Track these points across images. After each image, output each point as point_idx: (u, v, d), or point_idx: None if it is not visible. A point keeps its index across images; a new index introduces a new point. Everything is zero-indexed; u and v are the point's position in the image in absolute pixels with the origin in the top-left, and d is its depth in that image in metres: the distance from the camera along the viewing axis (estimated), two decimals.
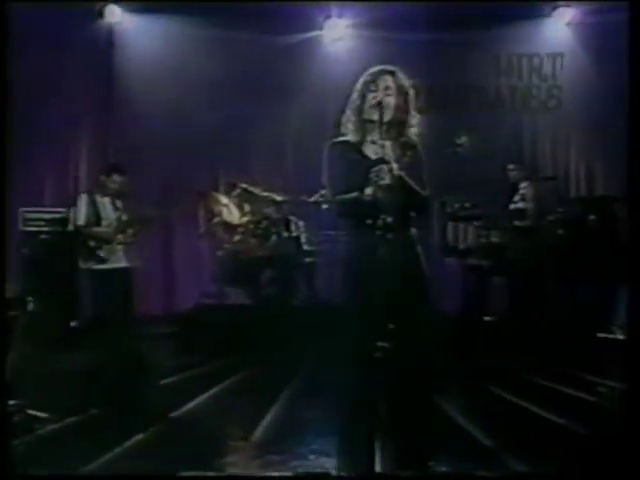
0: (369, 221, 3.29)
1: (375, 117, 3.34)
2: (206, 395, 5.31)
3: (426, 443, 3.37)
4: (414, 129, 3.41)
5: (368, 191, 3.24)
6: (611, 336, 7.18)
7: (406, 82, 3.39)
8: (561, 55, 9.52)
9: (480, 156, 7.87)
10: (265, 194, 8.14)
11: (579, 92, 9.36)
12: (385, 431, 3.29)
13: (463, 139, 7.94)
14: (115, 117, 9.36)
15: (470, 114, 9.53)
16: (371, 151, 3.38)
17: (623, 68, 8.81)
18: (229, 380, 5.89)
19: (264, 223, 8.18)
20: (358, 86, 3.42)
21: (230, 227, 8.16)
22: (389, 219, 3.23)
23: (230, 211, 8.17)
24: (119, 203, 6.95)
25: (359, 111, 3.39)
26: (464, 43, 9.30)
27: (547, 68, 9.63)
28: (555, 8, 9.47)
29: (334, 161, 3.39)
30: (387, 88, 3.35)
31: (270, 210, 8.20)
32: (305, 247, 8.40)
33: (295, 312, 7.92)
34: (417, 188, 3.36)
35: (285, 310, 7.89)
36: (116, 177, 6.87)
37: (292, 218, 8.42)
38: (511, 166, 8.08)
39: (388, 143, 3.28)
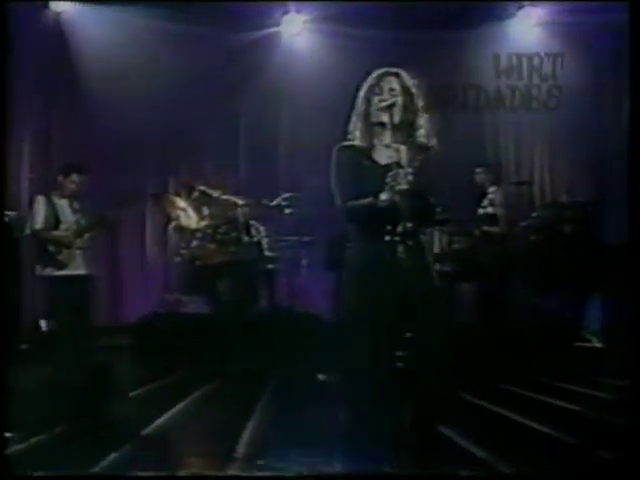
0: (388, 227, 3.25)
1: (384, 119, 3.34)
2: (176, 409, 5.11)
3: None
4: (423, 130, 3.37)
5: (383, 196, 3.20)
6: (587, 344, 7.26)
7: (410, 82, 3.39)
8: (528, 56, 9.56)
9: (449, 159, 7.88)
10: (225, 197, 7.98)
11: (551, 94, 9.41)
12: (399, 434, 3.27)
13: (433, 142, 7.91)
14: (67, 115, 9.03)
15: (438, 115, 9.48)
16: (381, 156, 3.37)
17: (595, 68, 9.28)
18: (197, 393, 5.71)
19: (223, 228, 8.01)
20: (362, 92, 3.41)
21: (187, 232, 7.99)
22: (409, 225, 3.21)
23: (187, 215, 7.99)
24: (77, 205, 6.65)
25: (366, 115, 3.38)
26: (425, 42, 9.23)
27: (524, 68, 9.60)
28: (520, 8, 9.49)
29: (343, 166, 3.37)
30: (392, 90, 3.35)
31: (230, 214, 8.03)
32: (266, 253, 8.25)
33: (256, 320, 7.77)
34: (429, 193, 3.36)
35: (246, 319, 7.72)
36: (75, 177, 6.57)
37: (253, 222, 8.27)
38: (479, 169, 8.05)
39: (403, 147, 3.27)
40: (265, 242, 8.28)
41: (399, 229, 3.22)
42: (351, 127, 3.42)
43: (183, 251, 7.99)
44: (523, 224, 7.96)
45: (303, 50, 9.61)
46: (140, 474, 3.50)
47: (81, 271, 6.52)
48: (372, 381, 3.25)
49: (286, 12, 9.49)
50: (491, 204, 7.84)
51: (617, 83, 9.16)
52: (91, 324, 6.41)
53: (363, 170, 3.32)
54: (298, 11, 9.50)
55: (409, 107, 3.34)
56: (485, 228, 7.71)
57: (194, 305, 8.09)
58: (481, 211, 7.77)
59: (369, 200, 3.23)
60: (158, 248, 8.58)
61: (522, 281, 7.76)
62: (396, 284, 3.21)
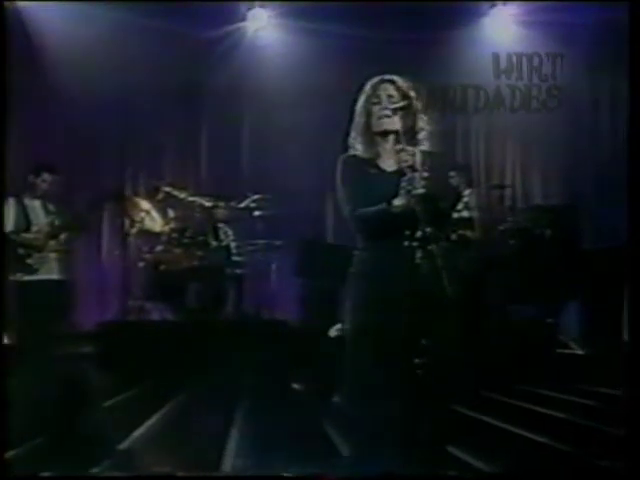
0: (407, 232, 3.19)
1: (387, 127, 3.33)
2: (151, 421, 4.94)
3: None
4: (424, 132, 3.35)
5: (398, 201, 3.16)
6: (568, 351, 7.23)
7: (406, 86, 3.38)
8: (503, 55, 9.50)
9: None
10: (191, 198, 7.84)
11: (525, 95, 9.38)
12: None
13: None
14: (31, 114, 8.71)
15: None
16: (387, 163, 3.35)
17: (573, 67, 9.32)
18: (170, 404, 5.55)
19: (190, 231, 7.85)
20: (360, 104, 3.39)
21: (152, 235, 7.82)
22: (428, 230, 3.15)
23: (152, 218, 7.82)
24: (52, 207, 6.42)
25: (367, 127, 3.37)
26: (389, 40, 9.17)
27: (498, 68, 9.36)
28: (493, 6, 9.47)
29: (349, 175, 3.35)
30: (390, 97, 3.35)
31: (197, 216, 7.93)
32: (235, 257, 8.08)
33: (224, 327, 7.62)
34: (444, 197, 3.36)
35: (213, 326, 7.56)
36: (47, 176, 6.34)
37: (221, 225, 8.10)
38: (452, 173, 7.97)
39: (414, 151, 3.23)
40: (233, 246, 8.12)
41: (418, 234, 3.17)
42: (351, 141, 3.40)
43: (147, 256, 7.80)
44: (501, 228, 7.91)
45: (268, 46, 9.48)
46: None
47: (54, 276, 6.28)
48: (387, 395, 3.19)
49: (251, 7, 9.36)
50: (466, 207, 7.79)
51: (594, 84, 9.21)
52: (62, 334, 6.15)
53: (370, 178, 3.31)
54: (263, 6, 9.38)
55: (409, 112, 3.34)
56: (461, 232, 7.62)
57: (158, 313, 7.89)
58: (456, 215, 7.70)
59: (382, 206, 3.20)
60: (121, 252, 8.30)
61: (499, 286, 7.69)
62: (415, 291, 3.15)
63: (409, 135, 3.30)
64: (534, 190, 9.53)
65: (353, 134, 3.40)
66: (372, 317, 3.22)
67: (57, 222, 6.39)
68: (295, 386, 6.40)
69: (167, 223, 7.87)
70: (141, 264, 7.81)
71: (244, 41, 9.44)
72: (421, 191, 3.11)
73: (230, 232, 8.17)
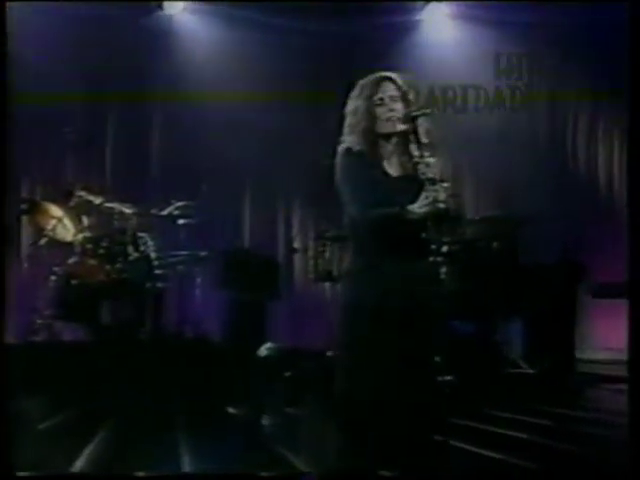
0: (431, 245, 3.28)
1: (395, 130, 3.36)
2: (84, 453, 4.68)
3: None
4: (426, 134, 3.34)
5: (418, 209, 3.19)
6: (517, 370, 7.17)
7: (405, 85, 3.41)
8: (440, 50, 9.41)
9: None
10: (109, 205, 7.54)
11: (479, 98, 9.29)
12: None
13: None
14: None
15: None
16: (392, 167, 3.39)
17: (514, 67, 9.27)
18: (102, 432, 5.26)
19: (107, 241, 7.53)
20: (361, 106, 3.37)
21: (64, 246, 7.52)
22: (455, 245, 3.25)
23: (64, 226, 7.52)
24: None
25: (371, 130, 3.36)
26: (315, 33, 9.16)
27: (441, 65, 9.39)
28: (428, 2, 9.38)
29: (354, 171, 3.32)
30: (392, 97, 3.37)
31: (115, 224, 7.63)
32: (156, 270, 7.75)
33: (144, 348, 7.39)
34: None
35: (132, 346, 7.34)
36: None
37: (141, 235, 7.75)
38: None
39: (431, 159, 3.27)
40: (154, 257, 7.79)
41: (444, 249, 3.29)
42: (350, 143, 3.36)
43: (58, 269, 7.39)
44: (446, 240, 7.74)
45: (185, 31, 9.27)
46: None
47: None
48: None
49: None
50: None
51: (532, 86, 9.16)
52: None
53: (375, 180, 3.32)
54: None
55: (409, 112, 3.35)
56: None
57: (70, 332, 7.55)
58: None
59: (397, 210, 3.20)
60: (28, 265, 7.91)
61: (446, 302, 7.55)
62: (426, 301, 3.32)
63: (410, 137, 3.33)
64: (487, 201, 9.43)
65: (353, 138, 3.36)
66: (381, 334, 3.24)
67: None
68: (237, 412, 6.21)
69: (81, 232, 7.54)
70: (52, 278, 7.38)
71: (160, 27, 9.16)
72: (446, 200, 3.17)
73: (151, 242, 7.84)
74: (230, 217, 9.00)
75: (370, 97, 3.35)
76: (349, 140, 3.36)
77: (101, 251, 7.48)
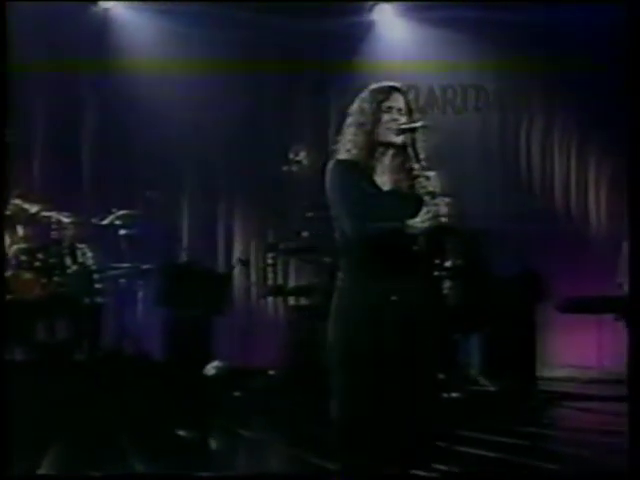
0: (436, 261, 3.43)
1: (396, 141, 3.34)
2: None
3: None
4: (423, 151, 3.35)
5: (420, 224, 3.16)
6: (479, 387, 7.13)
7: (411, 100, 3.44)
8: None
9: (319, 175, 7.60)
10: (46, 214, 7.30)
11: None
12: None
13: (301, 155, 7.56)
14: None
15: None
16: (382, 180, 3.37)
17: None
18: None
19: (43, 252, 7.26)
20: (368, 110, 3.36)
21: None
22: (459, 260, 3.13)
23: None
24: None
25: (373, 135, 3.34)
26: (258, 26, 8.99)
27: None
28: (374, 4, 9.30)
29: (349, 187, 3.29)
30: (400, 110, 3.38)
31: (52, 235, 7.36)
32: (96, 284, 7.56)
33: (82, 367, 7.19)
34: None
35: (70, 365, 7.16)
36: None
37: (80, 246, 7.54)
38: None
39: (430, 173, 3.27)
40: (94, 270, 7.60)
41: (448, 264, 3.09)
42: (349, 145, 3.34)
43: None
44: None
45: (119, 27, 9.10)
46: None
47: None
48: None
49: None
50: None
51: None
52: None
53: (370, 195, 3.31)
54: None
55: (408, 123, 3.35)
56: None
57: (4, 350, 6.93)
58: None
59: (397, 225, 3.18)
60: None
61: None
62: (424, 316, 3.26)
63: (406, 152, 3.31)
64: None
65: (357, 138, 3.33)
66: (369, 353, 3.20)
67: None
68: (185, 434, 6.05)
69: (16, 243, 7.25)
70: None
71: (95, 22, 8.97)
72: (447, 217, 3.13)
73: (90, 254, 7.63)
74: (173, 228, 8.81)
75: (380, 102, 3.37)
76: (346, 145, 3.35)
77: (37, 264, 7.24)
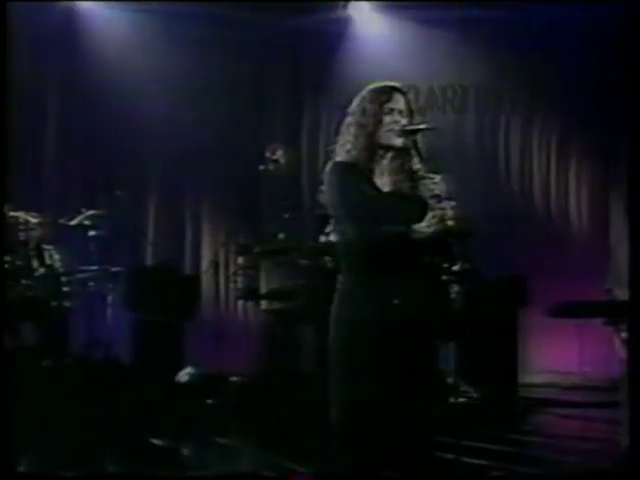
0: (445, 264, 3.43)
1: (393, 142, 3.35)
2: None
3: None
4: (420, 153, 3.37)
5: (430, 228, 3.19)
6: (463, 396, 7.03)
7: (411, 101, 3.45)
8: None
9: (296, 175, 7.57)
10: (12, 213, 7.12)
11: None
12: None
13: (278, 153, 7.44)
14: None
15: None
16: (381, 182, 3.37)
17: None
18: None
19: (9, 254, 7.03)
20: (370, 110, 3.36)
21: None
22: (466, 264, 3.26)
23: None
24: None
25: (374, 136, 3.35)
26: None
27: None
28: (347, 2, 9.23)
29: (351, 187, 3.29)
30: (401, 112, 3.38)
31: (19, 236, 7.19)
32: (63, 287, 7.42)
33: (50, 373, 7.05)
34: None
35: (37, 371, 6.98)
36: None
37: (47, 247, 7.43)
38: (323, 187, 7.61)
39: (436, 176, 3.29)
40: (62, 273, 7.48)
41: (455, 267, 3.30)
42: (349, 146, 3.34)
43: None
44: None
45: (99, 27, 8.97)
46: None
47: None
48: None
49: None
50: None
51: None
52: None
53: (371, 197, 3.30)
54: None
55: (408, 125, 3.37)
56: (327, 259, 7.19)
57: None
58: (323, 239, 7.30)
59: (402, 229, 3.20)
60: None
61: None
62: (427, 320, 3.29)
63: (406, 154, 3.32)
64: None
65: (356, 139, 3.33)
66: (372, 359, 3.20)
67: None
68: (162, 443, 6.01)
69: None
70: None
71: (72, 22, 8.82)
72: (453, 220, 3.16)
73: (58, 256, 7.53)
74: (144, 229, 8.75)
75: (382, 104, 3.35)
76: (346, 146, 3.34)
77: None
